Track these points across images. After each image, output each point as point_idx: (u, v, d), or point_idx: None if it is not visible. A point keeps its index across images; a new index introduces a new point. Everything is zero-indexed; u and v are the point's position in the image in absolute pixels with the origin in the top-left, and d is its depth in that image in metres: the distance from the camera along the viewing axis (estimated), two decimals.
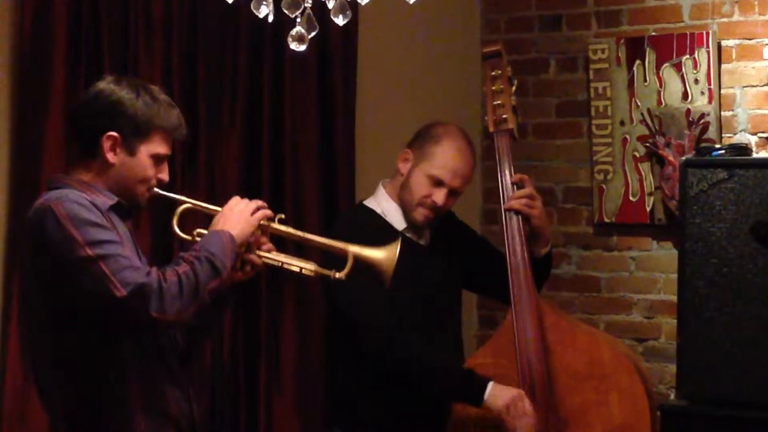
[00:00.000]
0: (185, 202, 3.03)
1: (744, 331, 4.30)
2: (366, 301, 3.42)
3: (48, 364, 2.87)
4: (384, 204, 3.60)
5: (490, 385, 3.42)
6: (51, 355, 2.85)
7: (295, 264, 3.04)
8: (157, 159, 2.92)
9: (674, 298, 4.60)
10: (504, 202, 3.63)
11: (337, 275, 3.03)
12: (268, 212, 3.00)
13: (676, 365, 4.49)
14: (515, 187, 3.65)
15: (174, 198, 3.03)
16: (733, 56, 4.81)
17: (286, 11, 2.72)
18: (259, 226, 2.98)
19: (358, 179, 4.75)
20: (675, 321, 4.57)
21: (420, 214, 3.55)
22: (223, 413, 4.41)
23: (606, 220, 5.09)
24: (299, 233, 3.10)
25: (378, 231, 3.53)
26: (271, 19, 2.82)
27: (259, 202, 3.00)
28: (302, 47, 2.79)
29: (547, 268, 3.75)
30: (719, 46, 4.82)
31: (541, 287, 3.77)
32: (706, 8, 4.86)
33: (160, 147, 2.92)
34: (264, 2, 2.77)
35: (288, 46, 2.80)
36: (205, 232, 2.98)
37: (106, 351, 2.83)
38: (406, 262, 3.54)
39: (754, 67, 4.76)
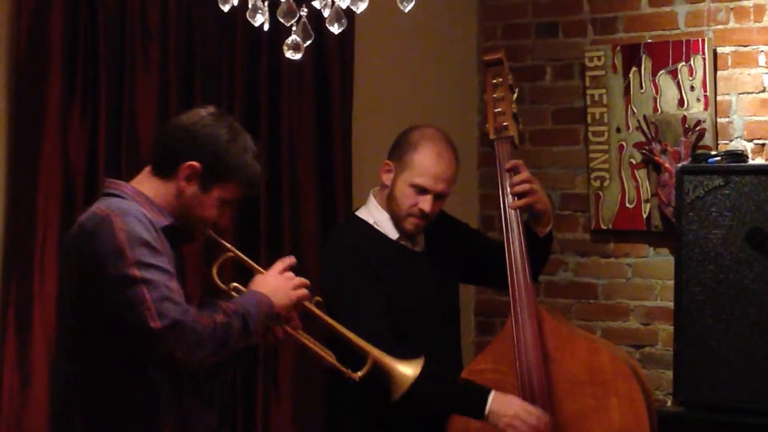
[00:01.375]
0: (232, 252, 3.02)
1: (740, 338, 4.30)
2: (363, 317, 3.41)
3: (74, 376, 2.84)
4: (376, 214, 3.60)
5: (492, 395, 3.42)
6: (77, 367, 2.83)
7: (316, 349, 3.06)
8: (224, 202, 2.92)
9: (671, 304, 4.60)
10: (504, 209, 3.61)
11: (352, 375, 3.05)
12: (308, 293, 2.99)
13: (673, 372, 4.49)
14: (512, 176, 3.63)
15: (223, 245, 3.02)
16: (729, 63, 4.81)
17: (281, 20, 2.73)
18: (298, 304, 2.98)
19: (355, 187, 4.75)
20: (672, 327, 4.58)
21: (410, 223, 3.55)
22: (222, 424, 4.40)
23: (603, 226, 5.10)
24: (329, 321, 3.10)
25: (373, 243, 3.54)
26: (266, 27, 2.82)
27: (303, 280, 2.98)
28: (298, 56, 2.80)
29: (548, 249, 3.75)
30: (715, 53, 4.83)
31: (542, 270, 3.78)
32: (701, 15, 4.87)
33: (231, 194, 2.92)
34: (260, 11, 2.77)
35: (284, 54, 2.80)
36: (241, 288, 2.98)
37: (136, 369, 2.80)
38: (402, 270, 3.56)
39: (749, 74, 4.77)
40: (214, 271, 3.00)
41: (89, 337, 2.81)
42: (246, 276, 3.03)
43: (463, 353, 3.80)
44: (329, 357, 3.06)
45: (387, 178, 3.58)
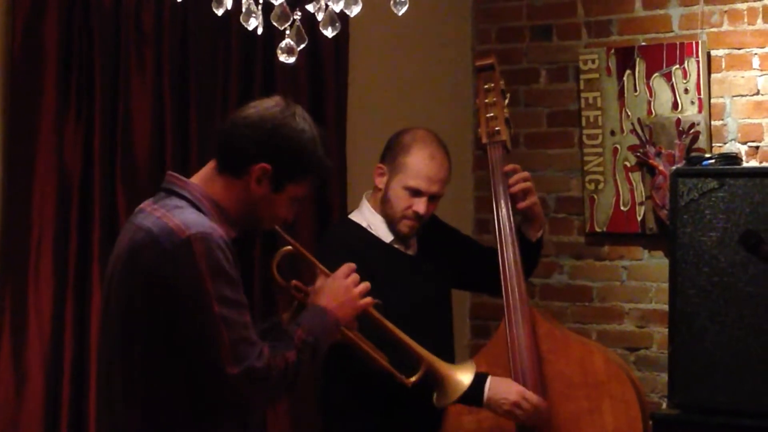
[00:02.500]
0: (294, 246, 2.93)
1: (735, 340, 4.31)
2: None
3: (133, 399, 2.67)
4: (369, 217, 3.60)
5: (489, 380, 3.42)
6: (135, 388, 2.66)
7: (370, 352, 3.01)
8: (295, 199, 2.79)
9: (666, 307, 4.61)
10: (498, 213, 3.62)
11: (405, 380, 3.03)
12: (372, 301, 2.93)
13: (668, 374, 4.50)
14: (509, 196, 3.64)
15: (286, 239, 2.92)
16: (723, 66, 4.82)
17: (275, 24, 2.73)
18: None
19: (350, 190, 4.75)
20: (666, 330, 4.59)
21: (405, 225, 3.56)
22: None
23: (597, 229, 5.10)
24: (389, 325, 3.05)
25: (366, 246, 3.54)
26: (260, 31, 2.82)
27: (366, 285, 2.91)
28: (291, 59, 2.80)
29: (538, 254, 3.76)
30: (709, 56, 4.84)
31: (531, 273, 3.78)
32: (695, 18, 4.88)
33: (304, 191, 2.79)
34: (253, 14, 2.77)
35: (278, 58, 2.80)
36: (302, 287, 2.93)
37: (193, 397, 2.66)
38: (395, 273, 3.56)
39: (743, 77, 4.78)
40: (275, 266, 2.93)
41: (151, 359, 2.63)
42: (298, 267, 2.95)
43: (457, 356, 3.80)
44: (382, 360, 3.01)
45: (380, 182, 3.58)
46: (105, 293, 2.77)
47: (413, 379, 3.05)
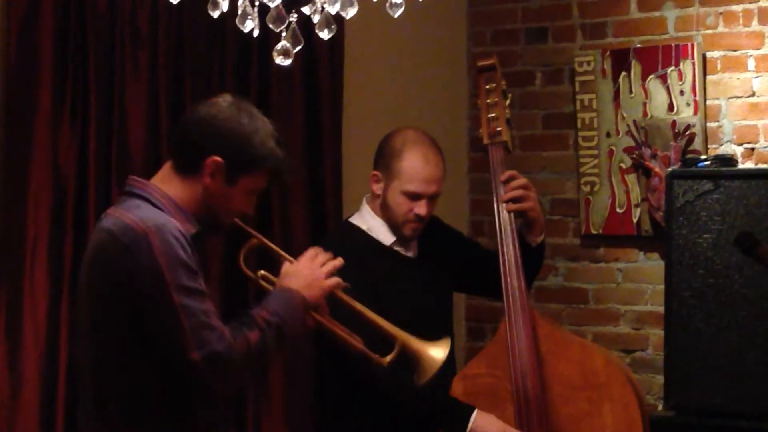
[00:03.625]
0: (260, 241, 2.96)
1: (731, 342, 4.31)
2: (354, 319, 3.41)
3: (108, 397, 2.75)
4: (370, 220, 3.60)
5: (475, 414, 3.43)
6: (111, 386, 2.74)
7: (344, 335, 3.00)
8: (251, 192, 2.85)
9: (661, 309, 4.61)
10: (498, 213, 3.61)
11: (380, 360, 3.01)
12: (341, 284, 2.94)
13: (664, 376, 4.50)
14: (506, 185, 3.63)
15: (250, 233, 2.95)
16: (719, 67, 4.82)
17: (271, 26, 2.73)
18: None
19: (345, 194, 4.75)
20: (662, 332, 4.58)
21: (409, 229, 3.56)
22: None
23: (593, 231, 5.10)
24: (358, 306, 3.03)
25: (366, 249, 3.54)
26: (256, 33, 2.82)
27: (335, 263, 2.93)
28: (287, 62, 2.79)
29: (540, 258, 3.75)
30: (704, 58, 4.84)
31: (534, 279, 3.78)
32: (691, 20, 4.88)
33: (259, 183, 2.84)
34: (249, 16, 2.77)
35: (274, 60, 2.80)
36: (270, 277, 2.95)
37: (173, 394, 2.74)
38: (395, 275, 3.56)
39: (739, 79, 4.78)
40: (241, 259, 2.95)
41: (120, 350, 2.71)
42: (271, 262, 2.97)
43: (456, 358, 3.80)
44: (358, 343, 3.00)
45: (377, 188, 3.58)
46: (77, 298, 2.85)
47: (388, 358, 3.03)
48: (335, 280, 2.92)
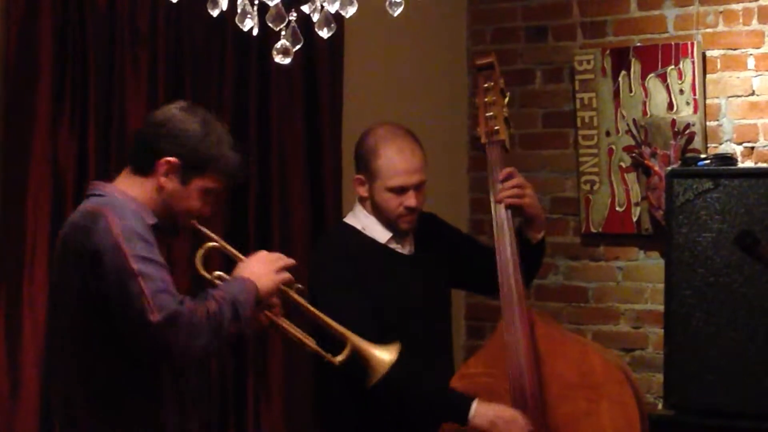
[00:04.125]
0: (215, 242, 3.04)
1: (731, 341, 4.31)
2: (350, 322, 3.42)
3: (68, 374, 2.88)
4: (364, 219, 3.60)
5: (475, 403, 3.42)
6: (73, 366, 2.87)
7: (297, 335, 3.09)
8: (206, 193, 2.95)
9: (661, 307, 4.61)
10: (495, 213, 3.61)
11: (332, 359, 3.11)
12: (291, 279, 3.03)
13: (664, 375, 4.50)
14: (504, 183, 3.63)
15: (207, 235, 3.04)
16: (718, 66, 4.82)
17: (270, 24, 2.73)
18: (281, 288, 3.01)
19: (345, 192, 4.75)
20: (662, 331, 4.59)
21: (403, 222, 3.55)
22: (212, 425, 4.40)
23: (593, 230, 5.10)
24: (310, 308, 3.14)
25: (362, 248, 3.54)
26: (255, 32, 2.82)
27: (287, 262, 3.02)
28: (287, 60, 2.79)
29: (540, 255, 3.75)
30: (704, 57, 4.83)
31: (534, 276, 3.78)
32: (690, 19, 4.88)
33: (212, 183, 2.95)
34: (249, 15, 2.77)
35: (274, 59, 2.80)
36: (225, 275, 3.01)
37: (125, 366, 2.85)
38: (391, 273, 3.55)
39: (738, 77, 4.78)
40: (198, 260, 3.02)
41: (89, 335, 2.84)
42: (233, 267, 3.04)
43: (455, 356, 3.80)
44: (311, 342, 3.10)
45: (363, 191, 3.58)
46: (51, 298, 3.01)
47: (340, 358, 3.12)
48: (286, 275, 3.01)
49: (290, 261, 3.03)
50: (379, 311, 3.47)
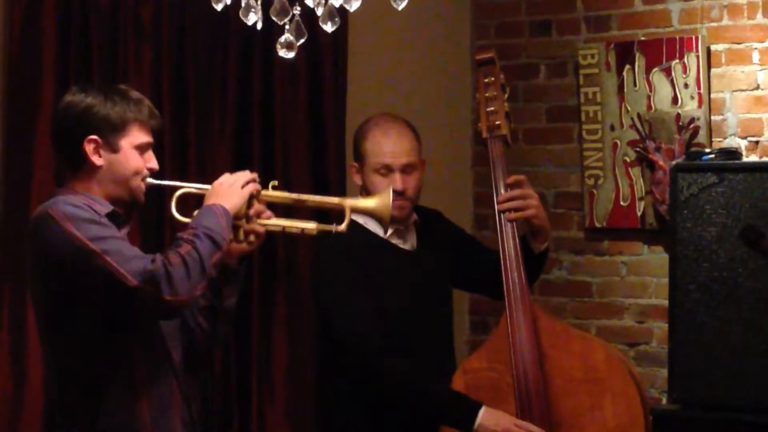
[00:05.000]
0: (180, 187, 3.05)
1: (735, 335, 4.31)
2: (353, 319, 3.41)
3: (59, 375, 2.90)
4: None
5: (482, 411, 3.41)
6: (62, 365, 2.89)
7: (296, 226, 3.08)
8: (141, 149, 2.96)
9: (665, 302, 4.60)
10: (498, 207, 3.60)
11: (338, 228, 3.07)
12: (258, 186, 3.03)
13: (668, 369, 4.49)
14: (510, 190, 3.62)
15: (168, 185, 3.06)
16: (723, 60, 4.81)
17: (274, 18, 2.72)
18: (254, 196, 3.01)
19: (349, 186, 4.74)
20: (666, 325, 4.58)
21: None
22: (216, 423, 4.40)
23: (597, 225, 5.09)
24: (294, 195, 3.13)
25: (363, 242, 3.53)
26: (260, 26, 2.82)
27: (249, 175, 3.02)
28: (291, 54, 2.79)
29: (542, 265, 3.74)
30: (708, 51, 4.83)
31: (534, 282, 3.77)
32: (695, 13, 4.87)
33: (140, 137, 2.95)
34: (253, 9, 2.77)
35: (277, 52, 2.80)
36: None
37: (115, 357, 2.86)
38: (393, 268, 3.55)
39: (743, 71, 4.77)
40: (173, 208, 3.01)
41: (62, 334, 2.86)
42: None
43: (456, 352, 3.79)
44: (313, 225, 3.07)
45: (358, 179, 3.61)
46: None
47: (344, 224, 3.08)
48: (252, 186, 3.01)
49: (252, 175, 3.02)
50: (380, 306, 3.47)
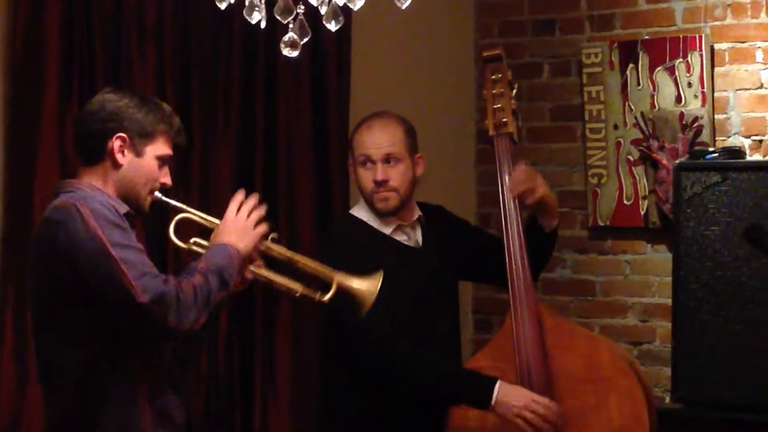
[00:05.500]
0: (185, 211, 3.06)
1: (738, 334, 4.30)
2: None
3: (56, 371, 2.90)
4: (368, 211, 3.60)
5: (498, 385, 3.41)
6: (59, 361, 2.89)
7: (283, 283, 3.09)
8: (161, 161, 2.99)
9: (669, 301, 4.60)
10: (504, 205, 3.59)
11: (321, 298, 3.09)
12: (266, 228, 3.04)
13: (671, 368, 4.49)
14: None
15: (175, 206, 3.06)
16: (726, 59, 4.81)
17: (278, 17, 2.73)
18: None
19: (352, 184, 4.74)
20: (670, 324, 4.58)
21: (377, 201, 3.55)
22: (219, 419, 4.40)
23: (600, 223, 5.09)
24: (290, 254, 3.13)
25: (367, 239, 3.54)
26: (263, 25, 2.82)
27: (259, 210, 3.03)
28: (295, 53, 2.80)
29: (552, 245, 3.74)
30: (712, 50, 4.83)
31: (544, 268, 3.77)
32: (698, 12, 4.87)
33: (164, 149, 2.99)
34: (257, 8, 2.77)
35: (281, 52, 2.80)
36: (202, 242, 3.03)
37: (114, 358, 2.87)
38: (397, 265, 3.54)
39: (747, 70, 4.77)
40: (171, 231, 3.02)
41: (70, 332, 2.87)
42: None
43: (463, 350, 3.79)
44: (298, 287, 3.08)
45: (354, 176, 3.61)
46: (29, 296, 3.02)
47: (328, 296, 3.09)
48: (263, 227, 3.03)
49: (262, 212, 3.04)
50: (386, 302, 3.46)
